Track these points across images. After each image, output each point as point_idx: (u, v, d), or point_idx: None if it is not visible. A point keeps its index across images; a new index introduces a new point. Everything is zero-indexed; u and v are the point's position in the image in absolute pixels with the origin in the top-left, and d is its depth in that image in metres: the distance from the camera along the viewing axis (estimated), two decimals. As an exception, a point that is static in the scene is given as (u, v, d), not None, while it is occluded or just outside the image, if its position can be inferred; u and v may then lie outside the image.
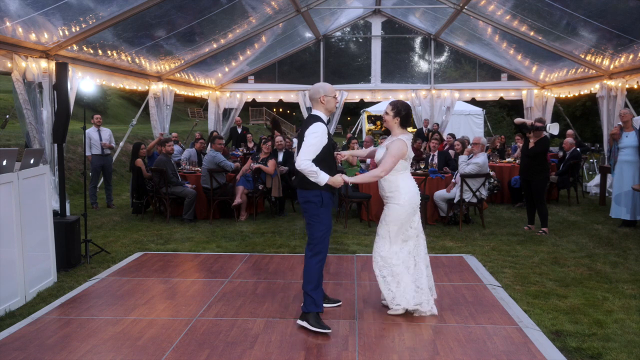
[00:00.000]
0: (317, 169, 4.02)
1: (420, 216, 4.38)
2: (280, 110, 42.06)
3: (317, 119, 4.14)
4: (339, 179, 4.10)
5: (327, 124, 4.24)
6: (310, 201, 4.15)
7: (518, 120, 7.66)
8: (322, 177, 4.04)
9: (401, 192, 4.22)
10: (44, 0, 6.04)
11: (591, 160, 14.74)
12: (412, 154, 4.31)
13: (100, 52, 8.24)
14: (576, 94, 11.87)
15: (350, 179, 4.21)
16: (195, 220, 8.58)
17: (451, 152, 9.85)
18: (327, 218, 4.17)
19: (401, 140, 4.20)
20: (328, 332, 4.05)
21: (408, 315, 4.39)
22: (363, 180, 4.38)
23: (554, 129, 7.30)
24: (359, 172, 8.92)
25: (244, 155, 11.97)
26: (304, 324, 4.11)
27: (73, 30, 7.01)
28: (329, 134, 4.18)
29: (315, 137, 4.04)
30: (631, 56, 8.83)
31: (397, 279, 4.27)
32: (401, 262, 4.27)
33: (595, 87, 10.50)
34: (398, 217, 4.24)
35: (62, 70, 6.14)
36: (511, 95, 13.86)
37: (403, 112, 4.25)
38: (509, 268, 5.81)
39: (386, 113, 4.28)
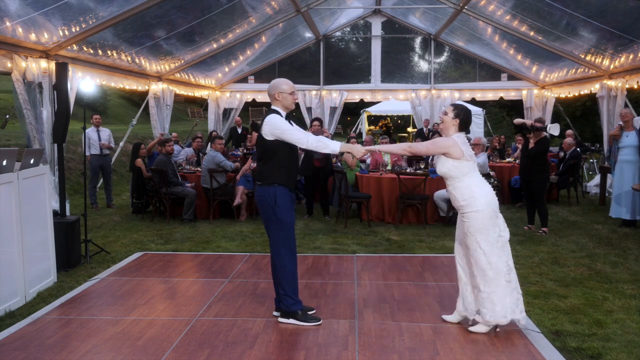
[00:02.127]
0: (321, 137, 4.02)
1: (504, 220, 4.07)
2: (280, 110, 41.91)
3: (273, 112, 4.13)
4: (359, 148, 4.05)
5: (287, 119, 4.16)
6: (264, 199, 4.07)
7: (517, 120, 7.65)
8: (333, 145, 3.99)
9: (476, 196, 3.94)
10: (44, 0, 6.04)
11: (591, 160, 14.73)
12: (472, 154, 4.07)
13: (100, 52, 8.24)
14: (576, 94, 11.87)
15: (378, 147, 4.12)
16: (195, 220, 8.57)
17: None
18: (286, 217, 4.06)
19: (450, 138, 4.00)
20: (320, 323, 4.16)
21: (408, 315, 4.39)
22: (390, 149, 4.15)
23: (554, 129, 7.28)
24: (359, 172, 8.92)
25: (244, 155, 11.97)
26: (292, 321, 4.17)
27: (73, 30, 7.01)
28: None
29: (279, 124, 3.99)
30: (631, 56, 8.83)
31: (493, 293, 3.91)
32: (496, 272, 3.90)
33: (595, 87, 10.50)
34: (482, 224, 3.91)
35: (62, 70, 6.13)
36: (511, 95, 13.85)
37: (462, 116, 4.01)
38: (509, 268, 5.80)
39: (445, 113, 4.07)
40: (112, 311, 4.52)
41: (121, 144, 12.80)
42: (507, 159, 11.32)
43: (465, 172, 3.99)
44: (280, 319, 4.23)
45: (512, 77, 13.45)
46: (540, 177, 7.55)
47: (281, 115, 4.11)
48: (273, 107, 4.19)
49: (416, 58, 14.47)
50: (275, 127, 4.02)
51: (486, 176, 7.88)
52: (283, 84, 4.18)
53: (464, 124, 4.06)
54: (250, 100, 14.60)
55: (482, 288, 3.93)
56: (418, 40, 14.24)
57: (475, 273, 3.96)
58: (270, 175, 4.07)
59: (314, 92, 13.79)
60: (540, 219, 7.61)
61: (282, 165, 4.09)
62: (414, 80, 14.02)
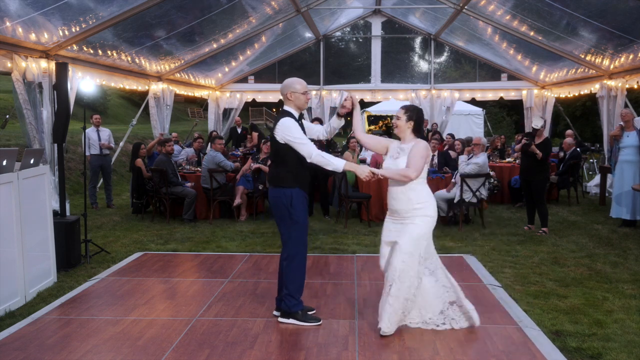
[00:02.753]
0: (326, 155, 3.96)
1: None
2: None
3: (286, 114, 4.09)
4: (364, 169, 3.90)
5: (299, 120, 4.14)
6: (279, 200, 4.07)
7: (518, 147, 7.58)
8: (337, 163, 3.92)
9: (429, 201, 3.92)
10: (44, 0, 6.04)
11: (591, 160, 14.74)
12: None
13: (100, 52, 8.24)
14: (576, 94, 11.86)
15: (380, 172, 3.94)
16: (195, 220, 8.57)
17: (452, 153, 9.84)
18: (301, 218, 4.07)
19: (423, 142, 3.96)
20: (320, 324, 4.17)
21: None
22: (391, 175, 3.94)
23: (535, 121, 7.40)
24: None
25: (244, 155, 11.97)
26: (292, 321, 4.17)
27: (73, 30, 7.00)
28: (302, 129, 4.10)
29: (291, 130, 3.96)
30: (631, 56, 8.82)
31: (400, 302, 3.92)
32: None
33: (595, 87, 10.50)
34: (429, 230, 3.91)
35: (62, 70, 6.13)
36: (511, 95, 13.85)
37: (415, 117, 3.97)
38: (509, 268, 5.81)
39: (397, 118, 4.01)
40: (112, 311, 4.52)
41: (121, 144, 12.80)
42: (507, 159, 11.33)
43: (424, 176, 3.96)
44: (281, 319, 4.23)
45: (512, 77, 13.44)
46: (540, 177, 7.55)
47: (294, 116, 4.08)
48: (285, 107, 4.16)
49: (416, 58, 14.47)
50: (287, 132, 3.98)
51: (486, 176, 7.88)
52: (296, 83, 4.12)
53: (418, 125, 4.00)
54: (250, 100, 14.59)
55: (395, 293, 3.85)
56: (418, 40, 14.24)
57: (406, 279, 3.84)
58: (284, 178, 4.05)
59: (314, 92, 13.79)
60: (540, 219, 7.62)
61: (293, 169, 4.06)
62: (414, 80, 14.01)
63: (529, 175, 7.62)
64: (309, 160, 3.98)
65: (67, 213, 6.49)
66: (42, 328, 4.15)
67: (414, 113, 4.00)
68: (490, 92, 13.88)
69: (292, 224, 4.07)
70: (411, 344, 3.82)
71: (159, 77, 10.91)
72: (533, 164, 7.53)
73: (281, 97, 4.27)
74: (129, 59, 9.25)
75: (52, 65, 6.92)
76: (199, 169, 9.29)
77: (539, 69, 12.51)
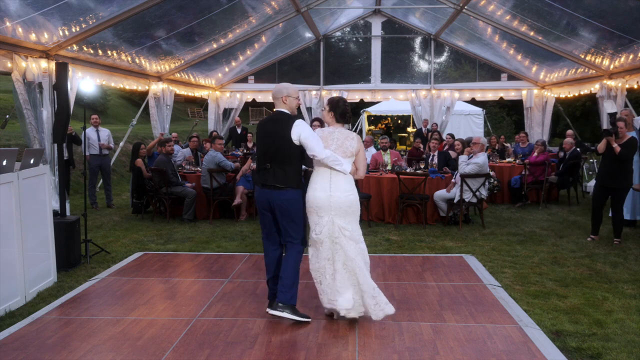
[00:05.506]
0: (338, 156, 4.14)
1: (325, 224, 4.20)
2: (280, 110, 41.95)
3: (290, 116, 4.27)
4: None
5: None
6: (295, 200, 4.21)
7: (601, 147, 6.76)
8: (346, 165, 4.15)
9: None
10: (43, 0, 6.04)
11: (591, 160, 14.72)
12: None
13: (100, 52, 8.24)
14: (576, 94, 11.86)
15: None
16: (195, 220, 8.57)
17: (452, 153, 9.84)
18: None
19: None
20: (309, 320, 4.23)
21: (408, 315, 4.40)
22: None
23: (609, 107, 7.06)
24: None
25: (244, 155, 11.97)
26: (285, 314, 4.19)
27: (73, 30, 7.01)
28: None
29: (309, 129, 4.19)
30: (631, 56, 8.82)
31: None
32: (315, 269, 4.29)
33: (595, 87, 10.50)
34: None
35: (62, 70, 6.14)
36: (511, 95, 13.86)
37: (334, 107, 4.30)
38: (509, 268, 5.81)
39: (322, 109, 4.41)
40: (112, 311, 4.52)
41: (121, 144, 12.80)
42: (507, 159, 11.33)
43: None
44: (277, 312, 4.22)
45: (512, 77, 13.45)
46: (629, 183, 6.76)
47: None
48: (282, 109, 4.30)
49: (416, 58, 14.48)
50: (304, 130, 4.18)
51: (486, 176, 7.88)
52: (290, 88, 4.33)
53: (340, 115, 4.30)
54: (250, 100, 14.61)
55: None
56: (418, 40, 14.25)
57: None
58: (296, 179, 4.23)
59: (314, 92, 13.80)
60: (619, 229, 6.93)
61: (300, 169, 4.35)
62: (414, 80, 14.02)
63: (616, 182, 6.73)
64: (322, 157, 4.07)
65: (67, 213, 6.50)
66: (42, 328, 4.16)
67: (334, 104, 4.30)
68: (490, 92, 13.88)
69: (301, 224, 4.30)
70: (411, 344, 3.83)
71: (159, 77, 10.91)
72: (620, 169, 6.67)
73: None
74: (129, 59, 9.25)
75: (52, 65, 6.92)
76: (199, 169, 9.28)
77: (539, 69, 12.51)
